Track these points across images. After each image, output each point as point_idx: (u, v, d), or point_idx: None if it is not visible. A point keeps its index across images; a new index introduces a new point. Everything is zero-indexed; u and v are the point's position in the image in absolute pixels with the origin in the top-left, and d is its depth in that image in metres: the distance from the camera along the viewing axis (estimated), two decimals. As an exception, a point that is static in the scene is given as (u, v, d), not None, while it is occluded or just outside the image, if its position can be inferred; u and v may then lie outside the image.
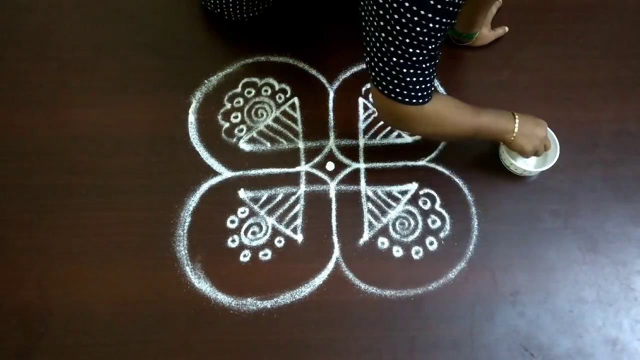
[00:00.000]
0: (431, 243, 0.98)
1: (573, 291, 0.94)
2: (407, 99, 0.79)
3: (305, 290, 0.94)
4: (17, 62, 1.16)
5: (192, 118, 1.08)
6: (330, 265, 0.96)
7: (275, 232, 0.99)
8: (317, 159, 1.05)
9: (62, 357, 0.90)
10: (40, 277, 0.95)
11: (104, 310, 0.92)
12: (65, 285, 0.94)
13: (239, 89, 1.11)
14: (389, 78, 0.77)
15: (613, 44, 1.17)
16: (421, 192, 1.02)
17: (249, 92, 1.11)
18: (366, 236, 0.98)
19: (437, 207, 1.01)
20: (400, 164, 1.05)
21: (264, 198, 1.02)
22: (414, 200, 1.01)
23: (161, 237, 0.98)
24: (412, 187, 1.02)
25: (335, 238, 0.98)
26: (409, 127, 0.92)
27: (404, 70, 0.75)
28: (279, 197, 1.02)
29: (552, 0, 1.22)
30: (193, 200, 1.00)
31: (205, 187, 1.02)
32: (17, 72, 1.14)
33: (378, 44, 0.74)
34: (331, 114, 1.09)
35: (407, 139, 1.07)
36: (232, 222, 0.99)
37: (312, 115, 1.09)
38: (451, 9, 0.69)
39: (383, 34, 0.72)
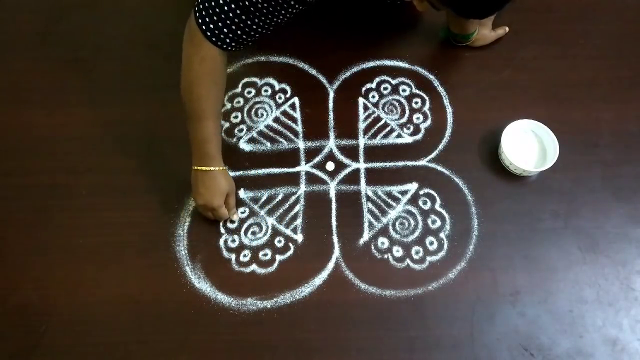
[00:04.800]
0: (431, 243, 0.97)
1: (573, 291, 0.94)
2: (203, 27, 0.80)
3: (305, 290, 0.94)
4: (17, 62, 1.16)
5: (192, 118, 1.08)
6: (330, 265, 0.96)
7: (275, 232, 0.99)
8: (317, 159, 1.05)
9: (62, 357, 0.90)
10: (40, 277, 0.95)
11: (104, 310, 0.92)
12: (65, 285, 0.94)
13: (239, 89, 1.11)
14: (207, 4, 0.79)
15: (613, 44, 1.17)
16: (421, 192, 1.02)
17: (249, 92, 1.11)
18: (366, 236, 0.98)
19: (437, 207, 1.01)
20: (400, 164, 1.05)
21: (264, 198, 1.02)
22: (414, 200, 1.01)
23: (161, 237, 0.98)
24: (412, 187, 1.02)
25: (335, 238, 0.98)
26: (183, 53, 0.89)
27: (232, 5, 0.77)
28: (279, 197, 1.02)
29: (552, 0, 1.22)
30: (193, 200, 1.00)
31: (205, 187, 1.02)
32: (17, 72, 1.14)
33: None
34: (331, 114, 1.09)
35: (407, 139, 1.07)
36: (232, 222, 0.99)
37: (312, 115, 1.09)
38: None
39: None
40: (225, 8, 0.78)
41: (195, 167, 0.93)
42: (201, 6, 0.80)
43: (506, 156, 0.99)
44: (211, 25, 0.80)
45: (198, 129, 0.90)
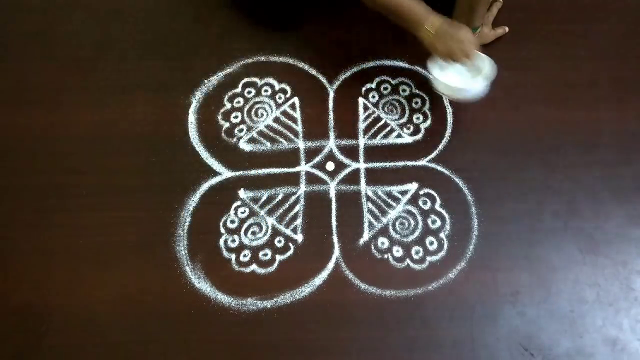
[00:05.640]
0: (431, 243, 0.98)
1: (573, 291, 0.94)
2: None
3: (305, 290, 0.94)
4: (17, 62, 1.16)
5: (192, 118, 1.08)
6: (330, 265, 0.96)
7: (275, 232, 0.99)
8: (317, 159, 1.05)
9: (62, 357, 0.90)
10: (41, 278, 0.95)
11: (104, 310, 0.92)
12: (65, 285, 0.94)
13: (239, 89, 1.11)
14: None
15: (613, 44, 1.17)
16: (421, 192, 1.02)
17: (249, 92, 1.11)
18: (366, 236, 0.98)
19: (437, 207, 1.01)
20: (400, 164, 1.05)
21: (264, 198, 1.02)
22: (414, 200, 1.01)
23: (161, 237, 0.98)
24: (412, 187, 1.02)
25: (335, 238, 0.98)
26: None
27: None
28: (279, 197, 1.02)
29: (552, 0, 1.22)
30: (193, 200, 1.00)
31: (205, 187, 1.02)
32: (17, 72, 1.14)
33: None
34: (331, 114, 1.09)
35: (407, 139, 1.07)
36: (232, 222, 0.99)
37: (312, 115, 1.09)
38: None
39: None
40: None
41: (426, 28, 0.92)
42: None
43: (438, 80, 0.96)
44: None
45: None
